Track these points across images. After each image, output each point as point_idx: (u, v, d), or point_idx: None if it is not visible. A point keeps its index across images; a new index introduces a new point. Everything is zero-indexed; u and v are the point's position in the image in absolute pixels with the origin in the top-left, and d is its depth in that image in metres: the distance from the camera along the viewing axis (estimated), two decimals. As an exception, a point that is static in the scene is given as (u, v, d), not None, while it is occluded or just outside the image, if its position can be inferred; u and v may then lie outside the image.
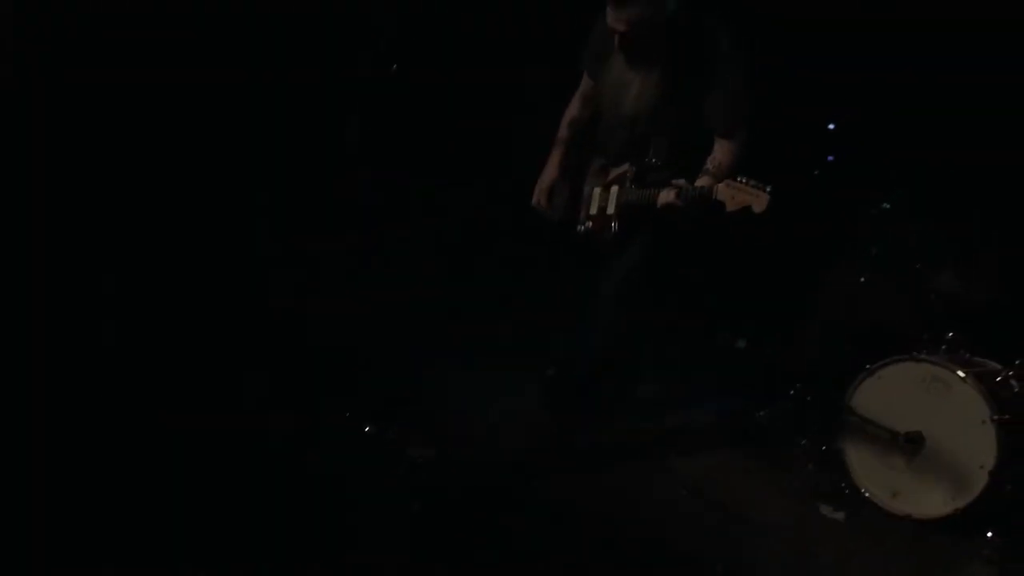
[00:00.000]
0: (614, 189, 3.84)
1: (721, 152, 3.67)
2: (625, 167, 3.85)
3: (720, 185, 3.45)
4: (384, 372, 4.33)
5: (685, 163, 3.72)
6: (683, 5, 3.65)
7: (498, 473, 3.76)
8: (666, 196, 3.59)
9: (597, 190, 3.91)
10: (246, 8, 4.76)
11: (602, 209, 3.87)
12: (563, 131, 4.02)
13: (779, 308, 5.21)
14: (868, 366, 4.34)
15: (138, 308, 4.34)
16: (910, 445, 4.15)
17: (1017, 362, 4.25)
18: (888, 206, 4.62)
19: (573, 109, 4.04)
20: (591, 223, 3.91)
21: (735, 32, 3.71)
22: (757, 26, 4.11)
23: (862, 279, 4.68)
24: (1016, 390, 4.18)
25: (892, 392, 4.21)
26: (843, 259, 4.86)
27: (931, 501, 4.01)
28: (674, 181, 3.61)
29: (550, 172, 4.03)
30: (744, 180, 3.41)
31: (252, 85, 4.80)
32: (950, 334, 4.31)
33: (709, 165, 3.65)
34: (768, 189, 3.36)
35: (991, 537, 3.92)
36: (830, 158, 5.42)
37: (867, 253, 4.66)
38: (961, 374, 4.05)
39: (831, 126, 5.50)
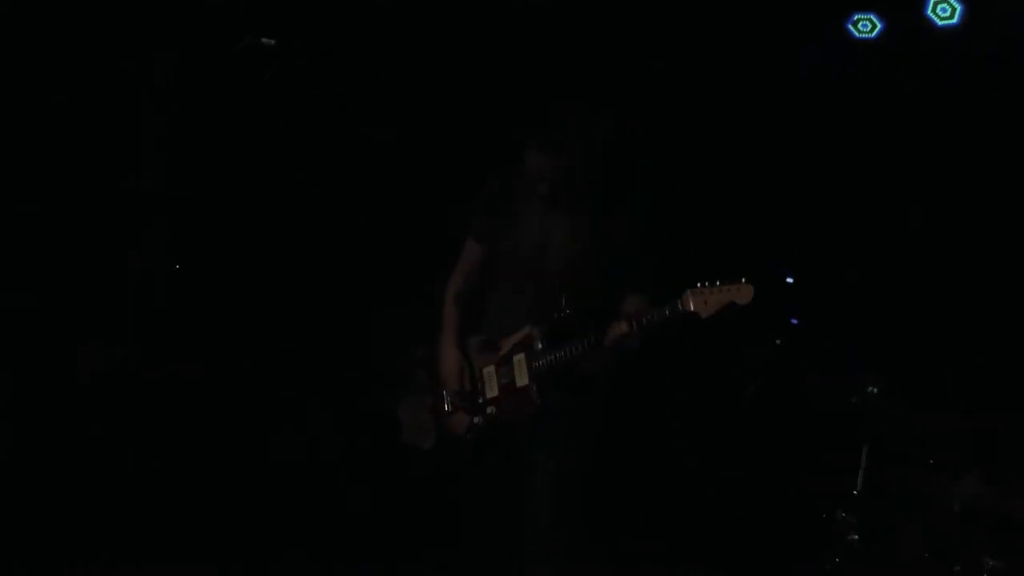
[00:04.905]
0: (518, 359, 3.51)
1: (638, 300, 3.41)
2: (526, 330, 3.52)
3: (686, 295, 3.20)
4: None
5: (589, 316, 3.43)
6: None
7: None
8: (616, 329, 3.29)
9: (488, 370, 3.58)
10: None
11: (507, 386, 3.52)
12: (450, 314, 3.69)
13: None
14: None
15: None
16: None
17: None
18: (875, 390, 3.76)
19: (457, 284, 3.73)
20: (493, 408, 3.53)
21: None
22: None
23: (855, 492, 3.78)
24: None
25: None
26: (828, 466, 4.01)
27: None
28: (624, 309, 3.35)
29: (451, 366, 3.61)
30: (708, 284, 3.14)
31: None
32: (991, 562, 3.57)
33: (629, 308, 3.38)
34: (744, 280, 3.09)
35: None
36: (794, 321, 4.83)
37: (857, 456, 3.78)
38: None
39: (789, 279, 4.90)
